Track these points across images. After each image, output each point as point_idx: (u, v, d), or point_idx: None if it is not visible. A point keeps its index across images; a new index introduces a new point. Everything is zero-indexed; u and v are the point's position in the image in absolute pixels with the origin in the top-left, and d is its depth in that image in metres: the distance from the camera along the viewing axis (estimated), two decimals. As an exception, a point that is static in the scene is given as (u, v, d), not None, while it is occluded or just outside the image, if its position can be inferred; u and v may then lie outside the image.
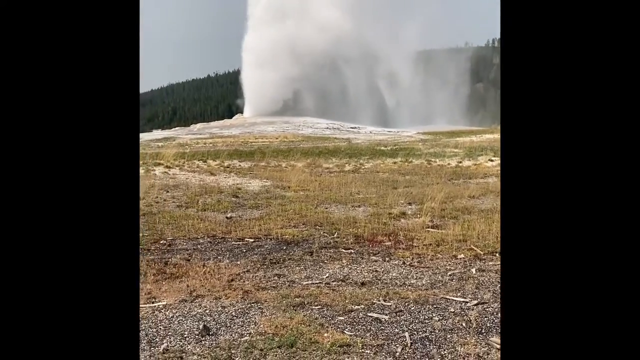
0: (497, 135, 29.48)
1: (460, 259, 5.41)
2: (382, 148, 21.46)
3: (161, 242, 6.16)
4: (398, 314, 3.88)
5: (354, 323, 3.71)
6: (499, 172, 11.07)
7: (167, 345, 3.35)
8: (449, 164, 15.19)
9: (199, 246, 6.01)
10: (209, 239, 6.33)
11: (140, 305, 4.04)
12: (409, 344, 3.37)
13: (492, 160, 15.45)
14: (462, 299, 4.18)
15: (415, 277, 4.84)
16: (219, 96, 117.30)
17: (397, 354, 3.24)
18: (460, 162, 15.34)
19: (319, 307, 4.00)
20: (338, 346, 3.29)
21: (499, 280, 4.30)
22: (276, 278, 4.80)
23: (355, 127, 44.72)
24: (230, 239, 6.33)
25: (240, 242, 6.18)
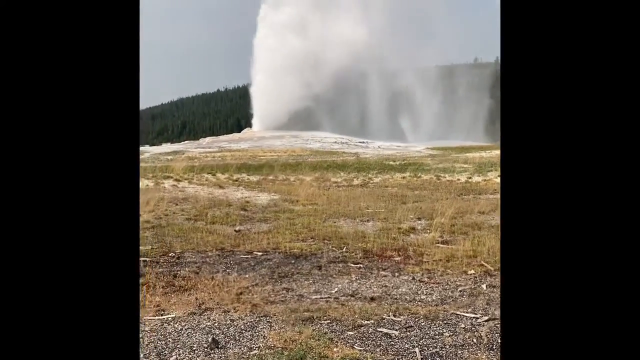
0: (506, 151, 29.42)
1: (471, 274, 5.36)
2: (391, 163, 21.45)
3: (170, 254, 6.17)
4: (408, 329, 3.85)
5: (364, 338, 3.67)
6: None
7: (177, 358, 3.33)
8: (458, 179, 15.15)
9: (207, 259, 6.01)
10: (217, 252, 6.33)
11: (149, 318, 4.03)
12: (419, 360, 3.33)
13: (501, 176, 15.41)
14: (473, 315, 4.13)
15: (425, 292, 4.80)
16: (228, 110, 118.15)
17: (408, 370, 3.21)
18: (470, 178, 15.29)
19: (328, 321, 3.97)
20: (348, 361, 3.25)
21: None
22: (285, 292, 4.78)
23: (363, 142, 44.79)
24: (238, 252, 6.32)
25: (249, 256, 6.17)
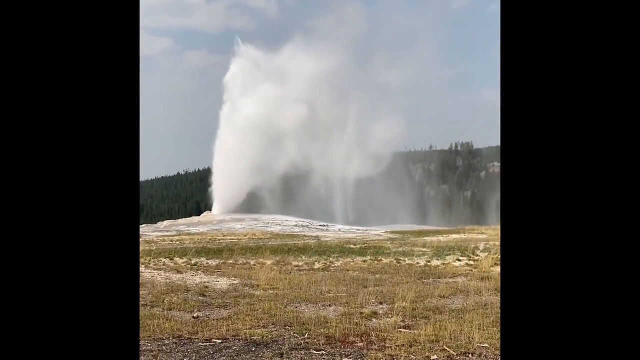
0: (464, 235, 29.96)
1: (434, 359, 5.32)
2: (352, 246, 21.49)
3: (124, 343, 5.90)
4: (372, 419, 3.74)
5: None
6: (468, 271, 11.11)
7: None
8: (417, 263, 15.26)
9: (164, 347, 5.77)
10: (174, 340, 6.10)
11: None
12: None
13: (459, 260, 15.60)
14: (437, 403, 4.07)
15: (388, 379, 4.71)
16: (187, 193, 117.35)
17: None
18: (429, 262, 15.43)
19: (290, 412, 3.83)
20: None
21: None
22: (245, 381, 4.61)
23: (324, 225, 44.92)
24: (196, 340, 6.11)
25: (207, 343, 5.96)
